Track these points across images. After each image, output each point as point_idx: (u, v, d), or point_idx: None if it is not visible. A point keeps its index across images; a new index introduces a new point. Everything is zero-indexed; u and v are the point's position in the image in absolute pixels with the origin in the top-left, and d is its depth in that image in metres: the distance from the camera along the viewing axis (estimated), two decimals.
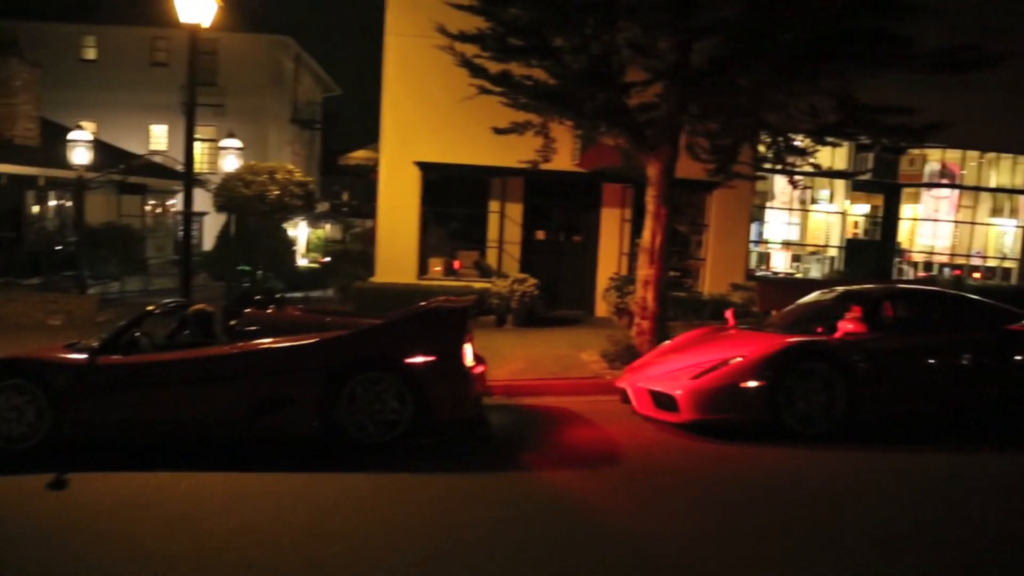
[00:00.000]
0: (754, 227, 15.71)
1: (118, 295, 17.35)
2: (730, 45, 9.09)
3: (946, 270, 16.48)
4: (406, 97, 14.16)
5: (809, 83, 9.23)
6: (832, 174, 13.89)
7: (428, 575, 4.08)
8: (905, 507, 5.14)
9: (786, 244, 16.34)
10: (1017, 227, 16.72)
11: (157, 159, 22.95)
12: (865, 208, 16.86)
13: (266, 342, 6.52)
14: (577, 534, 4.63)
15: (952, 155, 16.46)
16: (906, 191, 16.56)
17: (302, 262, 23.49)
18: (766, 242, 16.20)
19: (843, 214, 16.40)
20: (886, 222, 16.44)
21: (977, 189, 16.85)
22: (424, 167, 14.31)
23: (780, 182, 14.87)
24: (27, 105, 19.32)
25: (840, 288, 8.43)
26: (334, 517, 4.92)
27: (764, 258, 16.25)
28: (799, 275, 16.01)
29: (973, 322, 7.45)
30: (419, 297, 10.29)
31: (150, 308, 7.16)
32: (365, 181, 23.90)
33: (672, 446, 6.65)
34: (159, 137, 30.09)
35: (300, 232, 24.81)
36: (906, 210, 16.70)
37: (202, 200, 17.00)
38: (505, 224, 14.73)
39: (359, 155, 20.25)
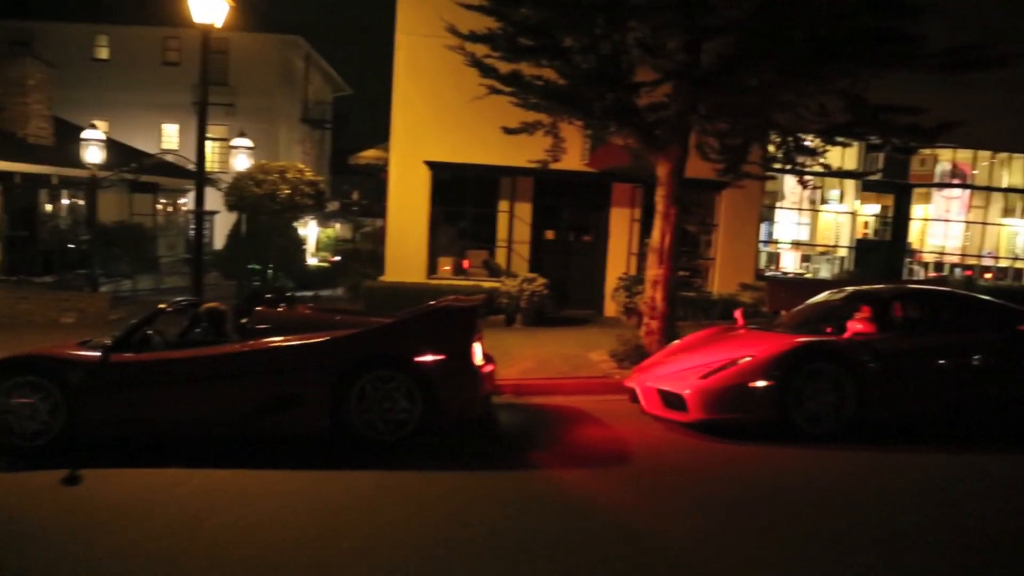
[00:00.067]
0: (764, 227, 15.67)
1: (130, 293, 17.46)
2: (739, 45, 9.08)
3: (957, 270, 16.39)
4: (416, 97, 14.20)
5: (818, 83, 9.22)
6: (842, 174, 13.83)
7: (434, 573, 4.10)
8: (911, 507, 5.14)
9: (796, 244, 16.29)
10: None
11: (169, 158, 23.06)
12: (875, 208, 16.79)
13: (277, 340, 6.56)
14: (585, 533, 4.64)
15: (963, 155, 16.37)
16: (917, 191, 16.48)
17: (312, 261, 23.56)
18: (776, 242, 16.15)
19: (853, 214, 16.34)
20: (896, 222, 16.38)
21: (989, 189, 16.75)
22: (434, 166, 14.35)
23: (790, 182, 14.83)
24: (40, 104, 19.46)
25: (850, 288, 8.43)
26: (342, 515, 4.95)
27: (774, 258, 16.20)
28: (809, 275, 15.96)
29: (984, 323, 7.42)
30: (428, 296, 10.33)
31: (162, 306, 7.22)
32: (375, 180, 23.97)
33: (681, 445, 6.67)
34: (171, 136, 30.26)
35: (310, 231, 24.88)
36: (917, 210, 16.62)
37: (213, 199, 17.08)
38: (514, 224, 14.75)
39: (369, 154, 20.31)
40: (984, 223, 16.87)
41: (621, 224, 14.88)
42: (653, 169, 10.06)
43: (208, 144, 10.64)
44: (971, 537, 4.61)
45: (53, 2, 29.46)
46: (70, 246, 19.02)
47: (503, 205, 14.80)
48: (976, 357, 7.05)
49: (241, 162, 17.85)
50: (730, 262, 14.91)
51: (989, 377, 7.03)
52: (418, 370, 6.32)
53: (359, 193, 29.42)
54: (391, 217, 14.76)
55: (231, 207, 16.67)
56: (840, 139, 10.55)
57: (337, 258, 23.32)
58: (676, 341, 8.50)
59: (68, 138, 19.13)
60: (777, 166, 11.14)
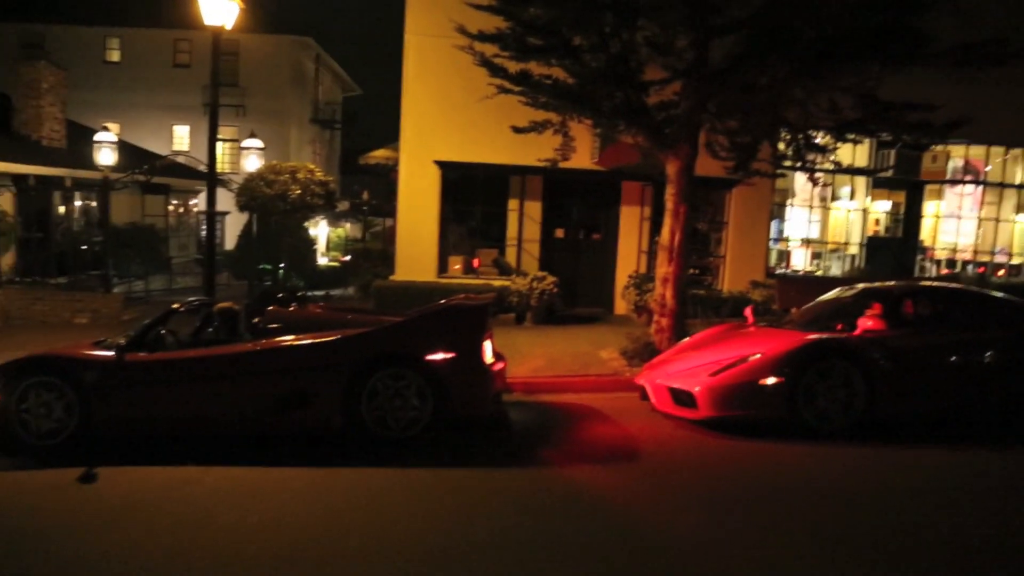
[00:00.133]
0: (774, 224, 15.63)
1: (142, 294, 17.59)
2: (749, 43, 9.07)
3: (969, 267, 16.29)
4: (426, 96, 14.24)
5: (828, 80, 9.20)
6: (853, 171, 13.79)
7: (444, 569, 4.13)
8: (915, 506, 5.12)
9: (806, 242, 16.23)
10: None
11: (180, 159, 23.23)
12: (887, 205, 16.71)
13: (288, 339, 6.61)
14: (594, 530, 4.66)
15: (976, 151, 16.27)
16: (929, 188, 16.39)
17: (323, 261, 23.66)
18: (786, 240, 16.11)
19: (864, 211, 16.27)
20: (908, 219, 16.29)
21: (1001, 186, 16.63)
22: (444, 166, 14.39)
23: (800, 179, 14.76)
24: (54, 107, 19.61)
25: (860, 285, 8.40)
26: (352, 512, 4.99)
27: (784, 256, 16.15)
28: (819, 273, 15.91)
29: (995, 320, 7.39)
30: (439, 295, 10.37)
31: (175, 306, 7.29)
32: (385, 180, 24.03)
33: (690, 443, 6.67)
34: (182, 137, 30.44)
35: (321, 231, 24.98)
36: (929, 207, 16.53)
37: (224, 200, 17.18)
38: (524, 222, 14.78)
39: (379, 154, 20.39)
40: (997, 219, 16.76)
41: (631, 222, 14.88)
42: (663, 167, 10.06)
43: (219, 145, 10.71)
44: (976, 537, 4.58)
45: (65, 5, 29.69)
46: (83, 247, 19.16)
47: (513, 204, 14.83)
48: (988, 354, 7.02)
49: (252, 163, 17.93)
50: (740, 260, 14.88)
51: (1000, 374, 7.00)
52: (429, 368, 6.35)
53: (369, 193, 29.49)
54: (401, 216, 14.81)
55: (242, 208, 16.77)
56: (850, 136, 10.52)
57: (347, 258, 23.41)
58: (686, 339, 8.50)
59: (81, 140, 19.28)
60: (787, 163, 11.13)
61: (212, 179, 10.37)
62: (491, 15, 9.58)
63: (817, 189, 14.60)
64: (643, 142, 10.24)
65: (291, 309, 7.39)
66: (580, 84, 9.57)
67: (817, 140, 10.42)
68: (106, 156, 15.67)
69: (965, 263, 16.57)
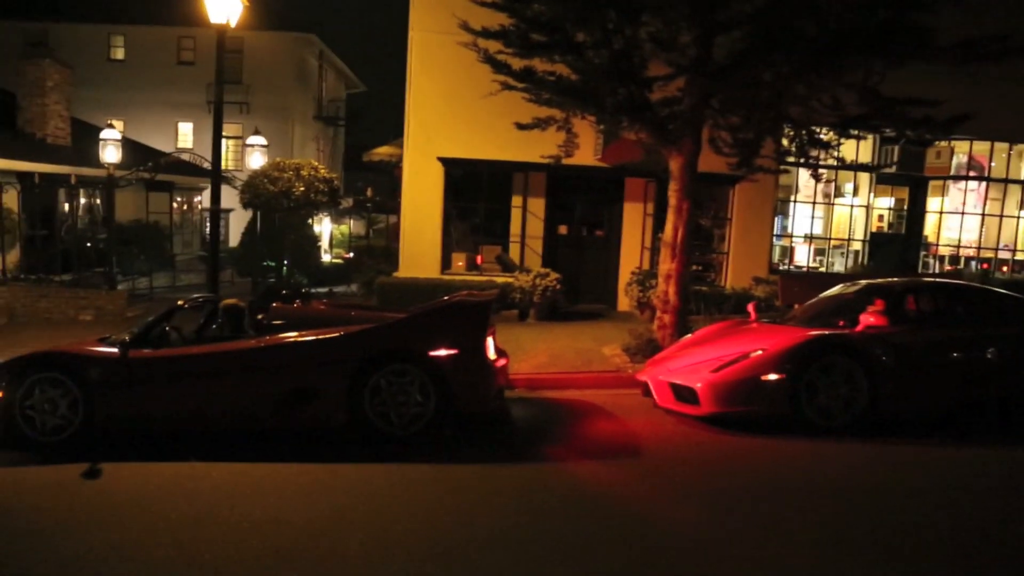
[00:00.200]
0: (777, 221, 15.62)
1: (147, 291, 17.62)
2: (753, 39, 9.07)
3: (973, 264, 16.26)
4: (430, 93, 14.25)
5: (832, 76, 9.19)
6: (856, 167, 13.72)
7: (447, 564, 4.15)
8: (914, 504, 5.12)
9: (809, 238, 16.21)
10: None
11: (184, 157, 23.24)
12: (890, 201, 16.68)
13: (292, 336, 6.64)
14: (596, 528, 4.67)
15: (980, 147, 16.22)
16: (932, 184, 16.34)
17: (326, 257, 23.68)
18: (789, 236, 16.08)
19: (868, 207, 16.24)
20: (911, 215, 16.25)
21: (1006, 181, 16.57)
22: (447, 163, 14.40)
23: (803, 175, 14.76)
24: (58, 105, 19.64)
25: (863, 281, 8.40)
26: (356, 507, 5.02)
27: (787, 252, 16.13)
28: (822, 269, 15.89)
29: (998, 316, 7.39)
30: (442, 292, 10.40)
31: (179, 303, 7.33)
32: (389, 177, 24.07)
33: (692, 439, 6.69)
34: (186, 135, 30.50)
35: (324, 228, 25.00)
36: (932, 203, 16.49)
37: (228, 197, 17.20)
38: (528, 219, 14.78)
39: (383, 151, 20.41)
40: (1001, 215, 16.71)
41: (634, 219, 14.89)
42: (666, 164, 10.06)
43: (223, 142, 10.72)
44: (977, 535, 4.58)
45: (69, 3, 29.75)
46: (88, 245, 19.20)
47: (516, 200, 14.84)
48: (991, 351, 7.01)
49: (256, 160, 17.98)
50: (743, 256, 14.87)
51: (1003, 371, 7.00)
52: (432, 365, 6.38)
53: (373, 189, 29.50)
54: (405, 213, 14.83)
55: (246, 205, 16.81)
56: (854, 132, 10.51)
57: (351, 254, 23.42)
58: (688, 335, 8.51)
59: (85, 138, 19.32)
60: (790, 159, 11.11)
61: (216, 176, 10.40)
62: (495, 11, 9.59)
63: (820, 185, 14.57)
64: (646, 138, 10.24)
65: (295, 306, 7.42)
66: (584, 80, 9.58)
67: (820, 136, 10.41)
68: (110, 154, 15.70)
69: (969, 259, 16.53)
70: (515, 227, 14.89)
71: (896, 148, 15.69)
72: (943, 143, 15.46)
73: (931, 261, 16.68)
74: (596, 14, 9.15)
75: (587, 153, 13.13)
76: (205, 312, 7.35)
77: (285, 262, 17.38)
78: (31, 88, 19.17)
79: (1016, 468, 5.98)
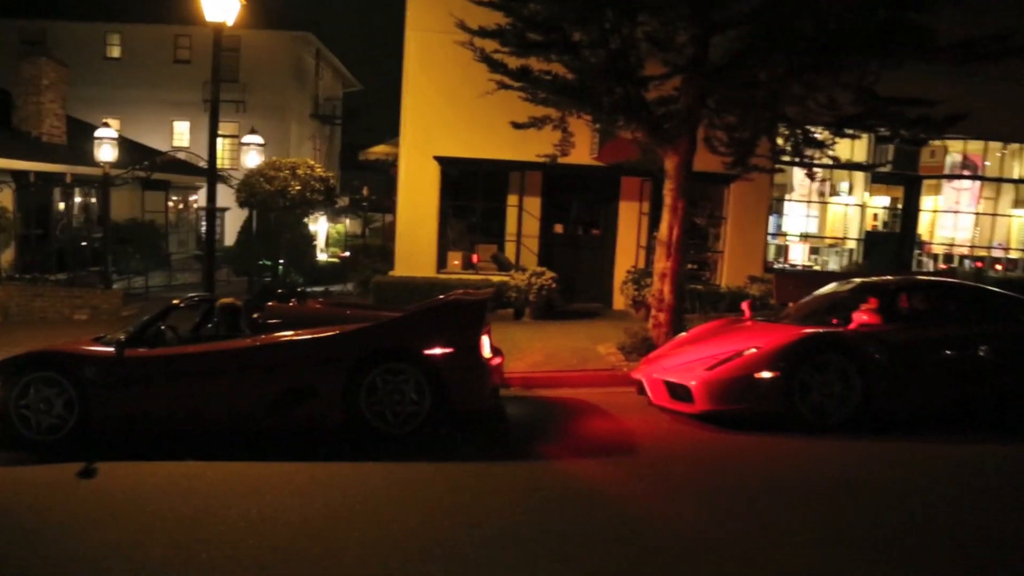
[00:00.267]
0: (772, 219, 15.65)
1: (142, 290, 17.62)
2: (749, 39, 9.09)
3: (967, 262, 16.31)
4: (426, 92, 14.25)
5: (829, 76, 9.22)
6: (851, 166, 13.77)
7: (445, 563, 4.17)
8: (909, 501, 5.15)
9: (805, 236, 16.24)
10: None
11: (180, 155, 23.23)
12: (885, 200, 16.72)
13: (288, 335, 6.65)
14: (592, 526, 4.69)
15: (974, 146, 16.27)
16: (927, 183, 16.38)
17: (322, 257, 23.69)
18: (784, 234, 16.12)
19: (862, 206, 16.27)
20: (906, 214, 16.30)
21: (999, 180, 16.62)
22: (443, 161, 14.41)
23: (799, 174, 14.77)
24: (54, 103, 19.62)
25: (857, 279, 8.44)
26: (353, 506, 5.03)
27: (782, 250, 16.17)
28: (817, 267, 15.93)
29: (991, 314, 7.42)
30: (438, 290, 10.42)
31: (175, 302, 7.34)
32: (385, 176, 24.04)
33: (687, 437, 6.71)
34: (182, 133, 30.46)
35: (320, 227, 25.00)
36: (926, 202, 16.55)
37: (224, 196, 17.18)
38: (523, 218, 14.80)
39: (379, 150, 20.38)
40: (995, 214, 16.77)
41: (630, 217, 14.91)
42: (661, 163, 10.09)
43: (219, 141, 10.73)
44: (973, 532, 4.59)
45: (66, 2, 29.68)
46: (83, 244, 19.19)
47: (512, 199, 14.86)
48: (983, 348, 7.05)
49: (252, 159, 17.96)
50: (738, 255, 14.91)
51: (996, 368, 7.03)
52: (427, 363, 6.39)
53: (369, 188, 29.51)
54: (401, 212, 14.84)
55: (242, 204, 16.78)
56: (849, 131, 10.54)
57: (347, 253, 23.44)
58: (683, 333, 8.54)
59: (81, 136, 19.29)
60: (786, 159, 11.14)
61: (212, 175, 10.40)
62: (492, 11, 9.61)
63: (815, 184, 14.61)
64: (642, 137, 10.27)
65: (291, 305, 7.43)
66: (580, 80, 9.60)
67: (816, 135, 10.44)
68: (106, 152, 15.68)
69: (963, 258, 16.58)
70: (511, 226, 14.91)
71: (891, 147, 15.73)
72: (937, 142, 15.49)
73: (925, 260, 16.72)
74: (593, 13, 9.17)
75: (583, 152, 13.15)
76: (201, 311, 7.36)
77: (281, 261, 17.38)
78: (27, 86, 19.14)
79: (1013, 465, 5.99)
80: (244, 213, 18.96)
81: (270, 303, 7.23)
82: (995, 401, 7.15)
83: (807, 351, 6.73)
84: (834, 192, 16.59)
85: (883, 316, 7.03)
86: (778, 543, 4.40)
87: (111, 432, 6.54)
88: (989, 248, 16.80)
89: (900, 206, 16.73)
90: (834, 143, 10.61)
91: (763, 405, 6.74)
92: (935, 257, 16.75)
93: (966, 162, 16.73)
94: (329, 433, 6.59)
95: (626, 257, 14.81)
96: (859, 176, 16.16)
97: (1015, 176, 17.01)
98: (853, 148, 14.44)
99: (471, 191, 15.07)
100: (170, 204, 25.14)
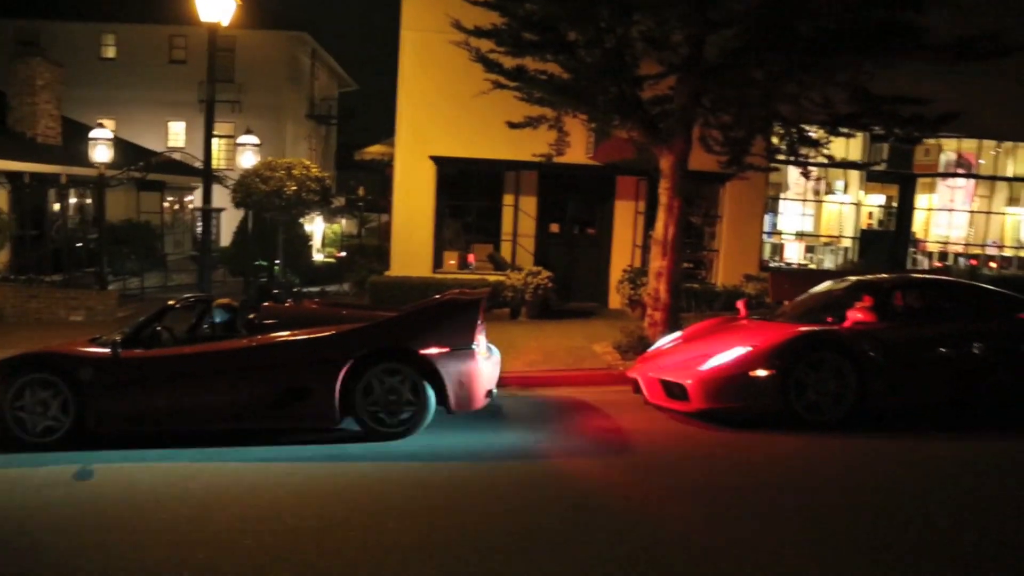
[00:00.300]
0: (768, 218, 15.69)
1: (138, 291, 17.60)
2: (745, 37, 9.12)
3: (961, 260, 16.36)
4: (422, 92, 14.26)
5: (823, 75, 9.25)
6: (846, 165, 13.81)
7: (438, 559, 4.17)
8: (912, 500, 5.16)
9: (800, 235, 16.28)
10: None
11: (176, 156, 23.22)
12: (880, 198, 16.76)
13: (284, 335, 6.66)
14: (591, 523, 4.70)
15: (968, 144, 16.30)
16: (921, 181, 16.42)
17: (318, 257, 23.68)
18: (780, 233, 16.15)
19: (858, 205, 16.31)
20: (901, 212, 16.35)
21: (993, 178, 16.68)
22: (439, 161, 14.41)
23: (794, 173, 14.82)
24: (49, 104, 19.58)
25: (852, 278, 8.47)
26: (349, 507, 5.04)
27: (778, 249, 16.21)
28: (813, 266, 15.96)
29: (984, 311, 7.44)
30: (434, 290, 10.43)
31: (171, 303, 7.33)
32: (381, 176, 24.06)
33: (682, 435, 6.73)
34: (177, 134, 30.43)
35: (316, 227, 24.99)
36: (921, 200, 16.58)
37: (220, 196, 17.18)
38: (519, 217, 14.82)
39: (375, 150, 20.41)
40: (989, 212, 16.82)
41: (625, 217, 14.93)
42: (657, 162, 10.11)
43: (215, 141, 10.73)
44: (972, 534, 4.54)
45: (60, 2, 29.62)
46: (79, 245, 19.16)
47: (508, 199, 14.87)
48: (977, 345, 7.07)
49: (247, 159, 17.93)
50: (734, 253, 14.94)
51: (989, 365, 7.05)
52: (423, 363, 6.40)
53: (364, 188, 29.52)
54: (397, 212, 14.85)
55: (238, 204, 16.76)
56: (844, 130, 10.58)
57: (343, 253, 23.44)
58: (679, 332, 8.55)
59: (76, 137, 19.25)
60: (781, 157, 11.17)
61: (208, 176, 10.41)
62: (487, 10, 9.63)
63: (811, 183, 14.65)
64: (637, 137, 10.29)
65: (286, 305, 7.44)
66: (575, 79, 9.62)
67: (810, 134, 10.47)
68: (101, 153, 15.65)
69: (957, 256, 16.63)
70: (507, 225, 14.92)
71: (886, 146, 15.77)
72: (931, 141, 15.53)
73: (920, 258, 16.77)
74: (588, 13, 9.19)
75: (579, 152, 13.16)
76: (197, 312, 7.36)
77: (277, 262, 17.36)
78: (21, 87, 19.11)
79: (1010, 462, 5.99)
80: (240, 213, 18.94)
81: (266, 303, 7.23)
82: (990, 398, 7.17)
83: (802, 349, 6.75)
84: (829, 190, 16.63)
85: (878, 314, 7.05)
86: (774, 542, 4.39)
87: (107, 434, 6.54)
88: (983, 246, 16.85)
89: (895, 204, 16.77)
90: (829, 142, 10.64)
91: (759, 403, 6.75)
92: (930, 255, 16.80)
93: (960, 160, 16.77)
94: (325, 433, 6.59)
95: (622, 256, 14.83)
96: (854, 174, 16.20)
97: (1009, 174, 17.06)
98: (848, 147, 14.47)
99: (467, 191, 15.08)
100: (166, 205, 25.12)
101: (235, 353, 6.60)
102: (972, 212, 16.94)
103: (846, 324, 7.02)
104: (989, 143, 16.74)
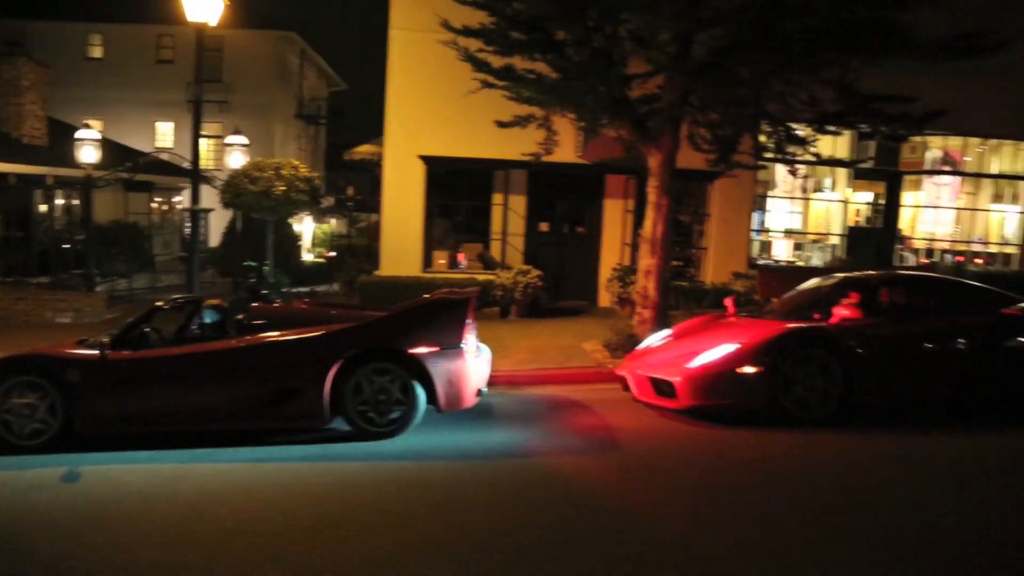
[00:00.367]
0: (756, 216, 15.78)
1: (126, 292, 17.53)
2: (732, 36, 9.15)
3: (947, 256, 16.48)
4: (410, 91, 14.25)
5: (810, 73, 9.30)
6: (833, 162, 13.90)
7: (428, 557, 4.18)
8: (906, 497, 5.19)
9: (788, 232, 16.37)
10: (1019, 213, 16.73)
11: (163, 156, 23.09)
12: (867, 196, 16.86)
13: (273, 336, 6.65)
14: (574, 520, 4.72)
15: (954, 142, 16.42)
16: (908, 178, 16.52)
17: (308, 257, 23.63)
18: (768, 231, 16.23)
19: (845, 202, 16.41)
20: (888, 209, 16.45)
21: (978, 176, 16.81)
22: (428, 161, 14.41)
23: (782, 171, 14.89)
24: (34, 104, 19.46)
25: (839, 275, 8.52)
26: (337, 505, 5.04)
27: (766, 247, 16.29)
28: (801, 263, 16.05)
29: (969, 307, 7.50)
30: (423, 290, 10.43)
31: (159, 304, 7.31)
32: (370, 175, 24.01)
33: (671, 432, 6.76)
34: (165, 134, 30.25)
35: (306, 227, 24.94)
36: (908, 197, 16.69)
37: (208, 197, 17.09)
38: (509, 216, 14.84)
39: (364, 149, 20.36)
40: (974, 209, 16.96)
41: (615, 215, 14.97)
42: (645, 160, 10.13)
43: (203, 142, 10.71)
44: (972, 533, 4.50)
45: (46, 1, 29.40)
46: (66, 246, 19.06)
47: (497, 198, 14.89)
48: (961, 341, 7.13)
49: (236, 159, 17.85)
50: (723, 251, 15.01)
51: (974, 360, 7.11)
52: (412, 362, 6.40)
53: (354, 188, 29.46)
54: (386, 212, 14.84)
55: (226, 205, 16.67)
56: (830, 128, 10.64)
57: (333, 253, 23.40)
58: (667, 330, 8.58)
59: (62, 137, 19.13)
60: (769, 156, 11.23)
61: (196, 176, 10.38)
62: (475, 10, 9.64)
63: (799, 180, 14.73)
64: (626, 135, 10.32)
65: (276, 305, 7.43)
66: (564, 78, 9.63)
67: (798, 132, 10.52)
68: (88, 154, 15.56)
69: (944, 252, 16.75)
70: (496, 225, 14.93)
71: (873, 144, 15.87)
72: (918, 138, 15.64)
73: (907, 254, 16.88)
74: (576, 12, 9.20)
75: (568, 150, 13.19)
76: (185, 313, 7.34)
77: (266, 263, 17.31)
78: (6, 87, 18.97)
79: (1006, 459, 6.00)
80: (229, 214, 18.87)
81: (255, 304, 7.22)
82: (973, 391, 7.23)
83: (790, 346, 6.79)
84: (817, 188, 16.71)
85: (864, 310, 7.10)
86: (765, 539, 4.40)
87: (96, 436, 6.52)
88: (969, 242, 16.98)
89: (882, 201, 16.88)
90: (816, 140, 10.70)
91: (747, 400, 6.79)
92: (916, 252, 16.92)
93: (946, 158, 16.89)
94: (314, 433, 6.59)
95: (611, 254, 14.88)
96: (842, 172, 16.30)
97: (994, 171, 17.19)
98: (836, 145, 14.55)
99: (456, 190, 15.09)
100: (154, 205, 25.01)
101: (224, 354, 6.59)
102: (958, 209, 17.06)
103: (833, 320, 7.07)
104: (975, 140, 16.87)
